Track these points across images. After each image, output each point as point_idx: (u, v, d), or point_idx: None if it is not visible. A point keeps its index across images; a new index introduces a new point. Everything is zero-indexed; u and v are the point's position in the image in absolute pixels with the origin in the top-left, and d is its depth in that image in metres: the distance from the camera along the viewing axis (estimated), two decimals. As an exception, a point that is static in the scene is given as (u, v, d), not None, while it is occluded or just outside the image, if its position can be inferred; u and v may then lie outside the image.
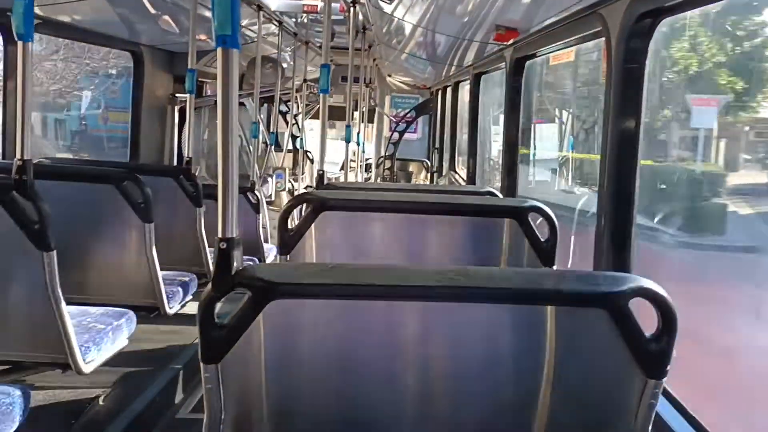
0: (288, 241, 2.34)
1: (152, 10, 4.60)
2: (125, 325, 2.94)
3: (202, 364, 1.40)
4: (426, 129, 10.65)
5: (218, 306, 1.39)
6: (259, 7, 5.17)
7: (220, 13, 1.36)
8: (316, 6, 5.16)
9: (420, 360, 1.53)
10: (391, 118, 10.27)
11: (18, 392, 2.18)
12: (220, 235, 1.41)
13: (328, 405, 1.57)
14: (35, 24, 2.41)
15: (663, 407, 1.90)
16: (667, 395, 1.94)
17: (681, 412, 1.91)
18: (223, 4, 1.38)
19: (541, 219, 2.26)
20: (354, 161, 7.70)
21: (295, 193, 7.66)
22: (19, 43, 2.38)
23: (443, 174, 8.42)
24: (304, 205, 2.36)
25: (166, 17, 4.87)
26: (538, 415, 1.59)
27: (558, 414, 1.58)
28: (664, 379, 1.38)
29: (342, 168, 7.53)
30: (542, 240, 2.27)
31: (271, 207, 6.62)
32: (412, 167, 9.95)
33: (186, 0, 4.11)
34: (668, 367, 1.37)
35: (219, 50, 1.39)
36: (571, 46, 3.08)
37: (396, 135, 9.66)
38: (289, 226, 2.34)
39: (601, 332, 1.39)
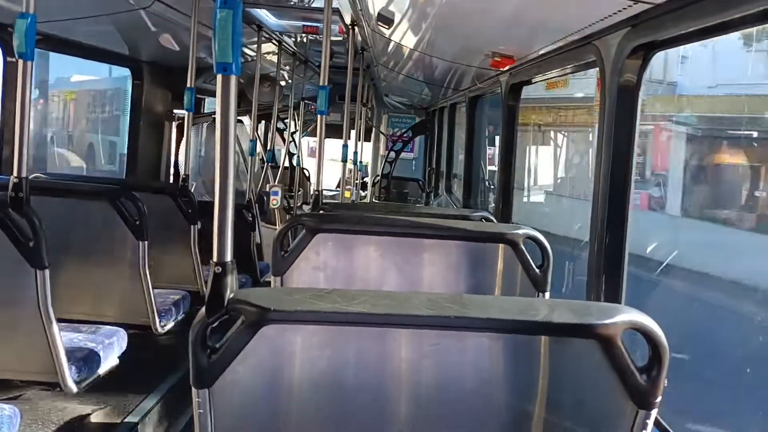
0: (282, 262, 2.34)
1: (152, 27, 4.63)
2: (116, 344, 2.93)
3: (193, 389, 1.39)
4: (422, 148, 10.70)
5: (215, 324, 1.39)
6: (260, 27, 5.22)
7: (222, 41, 1.37)
8: (317, 27, 5.21)
9: (412, 387, 1.53)
10: (388, 137, 10.32)
11: (7, 411, 2.16)
12: (215, 259, 1.42)
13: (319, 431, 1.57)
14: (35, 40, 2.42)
15: None
16: (658, 425, 1.95)
17: None
18: (224, 31, 1.39)
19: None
20: (350, 180, 7.72)
21: (291, 210, 7.67)
22: (20, 61, 2.40)
23: (438, 194, 8.45)
24: (299, 226, 2.37)
25: (166, 35, 4.91)
26: None
27: None
28: (655, 410, 1.39)
29: (338, 186, 7.55)
30: (536, 266, 2.28)
31: (266, 225, 6.62)
32: (407, 187, 9.97)
33: (186, 18, 4.15)
34: (659, 399, 1.38)
35: (219, 77, 1.40)
36: (567, 73, 3.12)
37: (392, 154, 9.70)
38: (285, 244, 2.35)
39: (593, 362, 1.40)
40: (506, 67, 3.51)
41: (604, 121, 2.16)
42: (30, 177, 2.47)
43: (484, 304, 1.52)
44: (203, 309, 1.38)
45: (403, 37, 4.00)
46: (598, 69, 2.26)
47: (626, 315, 1.35)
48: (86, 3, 3.70)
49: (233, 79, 1.41)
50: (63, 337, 2.62)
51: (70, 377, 2.56)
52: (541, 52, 2.95)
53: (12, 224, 2.37)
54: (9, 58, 4.10)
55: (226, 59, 1.37)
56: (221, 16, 1.36)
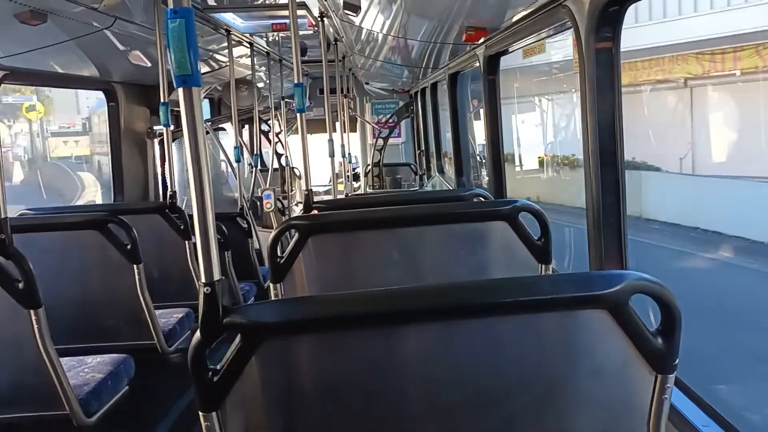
0: (279, 269, 2.30)
1: (120, 46, 4.55)
2: (124, 371, 2.89)
3: (200, 414, 1.35)
4: (409, 131, 10.61)
5: (213, 345, 1.35)
6: (228, 31, 5.13)
7: (177, 54, 1.31)
8: (285, 24, 5.12)
9: (428, 383, 1.48)
10: (373, 125, 10.23)
11: None
12: (203, 279, 1.37)
13: None
14: (1, 76, 2.35)
15: (680, 400, 1.87)
16: (682, 388, 1.91)
17: (697, 403, 1.87)
18: (179, 42, 1.33)
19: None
20: (341, 174, 7.65)
21: (286, 211, 7.61)
22: None
23: (431, 175, 8.39)
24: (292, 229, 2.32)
25: (136, 52, 4.82)
26: (552, 423, 1.55)
27: (573, 419, 1.54)
28: (674, 373, 1.35)
29: (330, 181, 7.48)
30: (536, 238, 2.24)
31: (264, 229, 6.56)
32: (400, 172, 9.91)
33: (152, 32, 4.07)
34: (676, 361, 1.34)
35: (180, 90, 1.34)
36: (543, 38, 3.06)
37: (380, 141, 9.62)
38: (282, 246, 2.31)
39: (606, 332, 1.36)
40: (481, 40, 3.44)
41: (585, 83, 2.10)
42: (17, 215, 2.42)
43: (488, 287, 1.48)
44: (198, 332, 1.34)
45: (374, 22, 3.93)
46: (573, 30, 2.20)
47: (632, 280, 1.31)
48: (47, 32, 3.62)
49: (195, 91, 1.35)
50: (70, 371, 2.58)
51: (81, 411, 2.52)
52: (514, 19, 2.89)
53: None
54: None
55: (184, 71, 1.31)
56: (173, 27, 1.30)
